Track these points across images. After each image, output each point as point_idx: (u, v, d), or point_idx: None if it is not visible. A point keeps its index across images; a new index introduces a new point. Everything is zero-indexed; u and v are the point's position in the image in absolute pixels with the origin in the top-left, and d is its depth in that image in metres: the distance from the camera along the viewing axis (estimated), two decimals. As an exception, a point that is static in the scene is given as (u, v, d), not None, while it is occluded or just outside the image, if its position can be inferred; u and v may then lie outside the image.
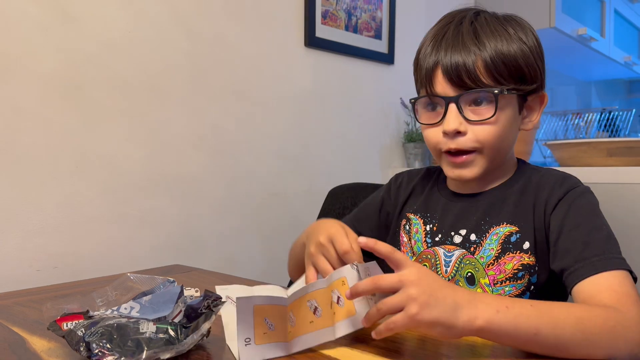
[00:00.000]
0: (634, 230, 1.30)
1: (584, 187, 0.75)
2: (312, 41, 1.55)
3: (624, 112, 2.50)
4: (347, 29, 1.66)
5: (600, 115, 2.55)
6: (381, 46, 1.79)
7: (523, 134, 2.03)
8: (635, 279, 0.66)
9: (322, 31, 1.58)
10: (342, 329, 0.61)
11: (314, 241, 0.70)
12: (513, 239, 0.74)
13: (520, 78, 0.74)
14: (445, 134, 0.73)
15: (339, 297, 0.60)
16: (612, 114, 2.54)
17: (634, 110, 2.41)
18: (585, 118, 2.55)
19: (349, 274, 0.62)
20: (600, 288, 0.62)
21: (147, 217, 1.22)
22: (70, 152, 1.09)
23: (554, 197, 0.73)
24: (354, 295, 0.58)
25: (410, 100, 0.80)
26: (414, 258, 0.83)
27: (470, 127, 0.73)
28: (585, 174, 1.53)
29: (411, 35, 1.96)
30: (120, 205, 1.17)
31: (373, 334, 0.56)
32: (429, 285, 0.55)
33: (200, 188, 1.32)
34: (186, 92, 1.28)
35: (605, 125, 2.58)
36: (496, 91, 0.71)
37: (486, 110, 0.72)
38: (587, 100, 3.46)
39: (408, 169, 1.91)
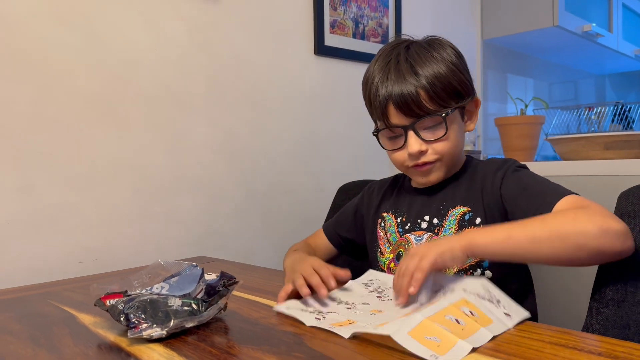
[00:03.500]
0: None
1: (522, 164, 0.88)
2: (321, 49, 1.66)
3: (637, 104, 2.53)
4: (354, 36, 1.77)
5: (614, 109, 2.58)
6: (388, 51, 1.88)
7: (529, 130, 2.10)
8: None
9: (331, 40, 1.69)
10: (494, 330, 0.63)
11: (304, 266, 0.83)
12: (467, 217, 0.87)
13: (456, 95, 0.86)
14: (410, 155, 0.86)
15: (471, 312, 0.65)
16: (625, 106, 2.57)
17: (640, 103, 2.44)
18: (597, 111, 2.58)
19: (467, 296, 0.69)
20: (560, 208, 0.74)
21: (173, 215, 1.34)
22: (105, 159, 1.21)
23: (498, 176, 0.85)
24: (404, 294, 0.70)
25: (373, 133, 0.93)
26: (391, 248, 0.95)
27: (429, 145, 0.86)
28: (584, 167, 1.61)
29: (417, 36, 2.05)
30: (149, 205, 1.29)
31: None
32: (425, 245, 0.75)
33: (219, 188, 1.44)
34: (205, 103, 1.39)
35: (619, 119, 2.61)
36: (443, 115, 0.84)
37: (439, 130, 0.85)
38: (601, 93, 3.47)
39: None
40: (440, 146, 0.86)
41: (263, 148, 1.53)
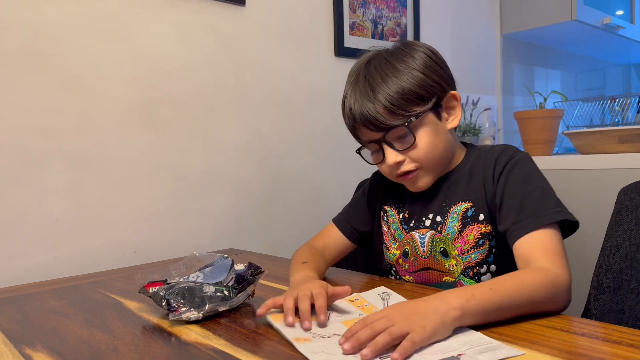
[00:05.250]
0: None
1: (518, 156, 0.86)
2: (341, 51, 1.73)
3: (662, 95, 2.52)
4: (373, 37, 1.84)
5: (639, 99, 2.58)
6: (407, 49, 1.95)
7: (548, 123, 2.13)
8: (577, 223, 0.80)
9: (350, 41, 1.76)
10: None
11: (304, 289, 0.77)
12: (469, 213, 0.88)
13: (420, 100, 0.84)
14: (389, 167, 0.88)
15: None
16: (651, 97, 2.56)
17: (663, 94, 2.44)
18: (621, 102, 2.58)
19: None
20: (535, 247, 0.77)
21: (206, 210, 1.43)
22: (143, 160, 1.31)
23: (496, 172, 0.86)
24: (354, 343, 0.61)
25: (356, 151, 0.95)
26: (397, 244, 0.97)
27: (405, 154, 0.86)
28: (599, 161, 1.66)
29: (436, 34, 2.10)
30: (183, 201, 1.39)
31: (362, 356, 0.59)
32: (406, 308, 0.65)
33: (249, 185, 1.53)
34: (234, 106, 1.48)
35: (643, 110, 2.60)
36: (406, 124, 0.83)
37: (408, 139, 0.85)
38: (628, 83, 3.44)
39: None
40: (415, 154, 0.86)
41: (287, 146, 1.62)
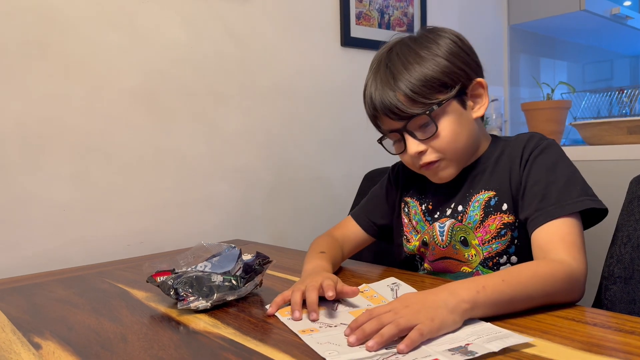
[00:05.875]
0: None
1: (545, 144, 0.84)
2: (348, 41, 1.72)
3: (670, 86, 2.49)
4: (380, 26, 1.82)
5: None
6: (413, 39, 1.93)
7: (555, 114, 2.11)
8: (606, 210, 0.79)
9: (357, 31, 1.75)
10: None
11: (310, 281, 0.76)
12: (492, 202, 0.85)
13: (443, 87, 0.82)
14: (411, 157, 0.86)
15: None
16: (659, 88, 2.53)
17: (671, 85, 2.41)
18: (629, 93, 2.56)
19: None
20: (553, 237, 0.75)
21: (211, 201, 1.43)
22: (149, 149, 1.31)
23: (523, 160, 0.84)
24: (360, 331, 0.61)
25: (377, 141, 0.93)
26: (418, 235, 0.95)
27: (427, 144, 0.84)
28: (607, 152, 1.64)
29: (442, 24, 2.07)
30: (189, 191, 1.39)
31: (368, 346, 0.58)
32: (414, 301, 0.63)
33: (254, 175, 1.53)
34: (239, 95, 1.48)
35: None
36: (427, 112, 0.81)
37: (430, 128, 0.83)
38: (636, 74, 3.41)
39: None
40: (438, 143, 0.84)
41: (293, 136, 1.62)
